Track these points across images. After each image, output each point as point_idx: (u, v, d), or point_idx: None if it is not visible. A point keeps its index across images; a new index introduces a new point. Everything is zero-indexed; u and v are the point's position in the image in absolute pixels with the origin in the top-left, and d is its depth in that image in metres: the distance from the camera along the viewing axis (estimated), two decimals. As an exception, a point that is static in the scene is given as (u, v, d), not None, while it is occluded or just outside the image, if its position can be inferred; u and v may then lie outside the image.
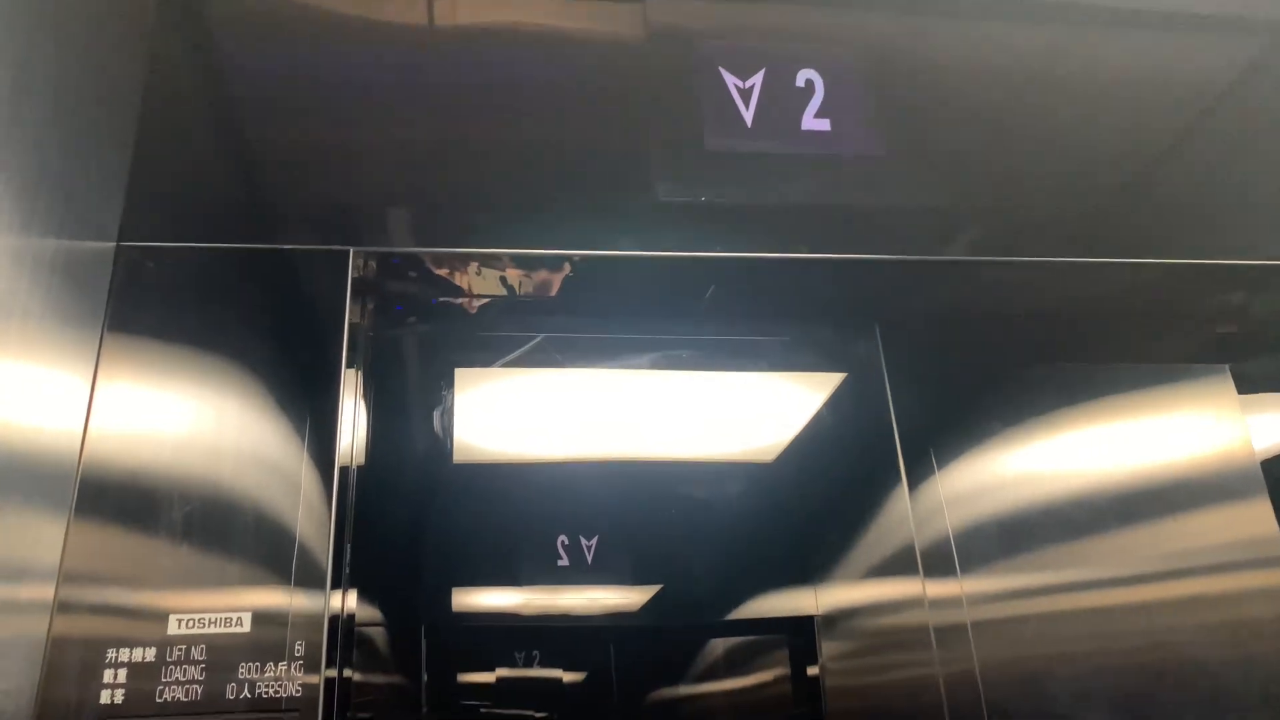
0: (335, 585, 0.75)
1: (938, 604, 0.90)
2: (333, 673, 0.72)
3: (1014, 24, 1.11)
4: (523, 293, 0.98)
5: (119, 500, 0.74)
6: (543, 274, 0.96)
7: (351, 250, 0.88)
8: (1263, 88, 1.13)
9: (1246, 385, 1.06)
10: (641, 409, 0.98)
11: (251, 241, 0.87)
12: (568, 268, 0.95)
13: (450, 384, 0.97)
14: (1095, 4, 1.13)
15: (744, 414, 1.00)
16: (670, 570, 0.91)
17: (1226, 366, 1.07)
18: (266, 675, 0.71)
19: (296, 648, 0.72)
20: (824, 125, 1.02)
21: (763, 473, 0.98)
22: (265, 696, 0.70)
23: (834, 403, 1.02)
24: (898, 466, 0.95)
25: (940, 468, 0.97)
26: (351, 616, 0.80)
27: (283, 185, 0.92)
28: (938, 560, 0.92)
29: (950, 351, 1.07)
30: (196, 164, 0.91)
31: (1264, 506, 0.99)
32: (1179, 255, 1.03)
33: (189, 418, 0.79)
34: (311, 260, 0.88)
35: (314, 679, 0.71)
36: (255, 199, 0.91)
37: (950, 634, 0.89)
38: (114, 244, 0.84)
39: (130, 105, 0.89)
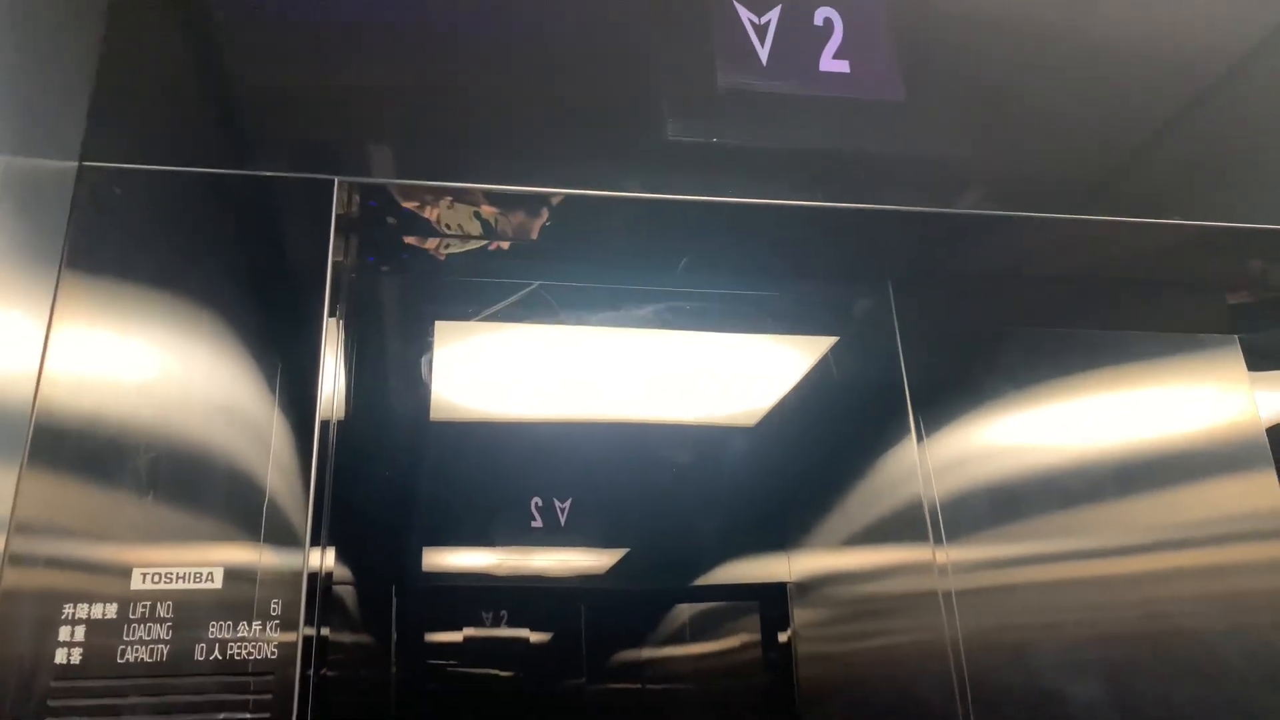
0: (314, 543, 0.71)
1: (941, 570, 0.89)
2: (310, 631, 0.69)
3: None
4: (508, 233, 0.94)
5: (77, 447, 0.70)
6: (537, 215, 0.92)
7: (336, 180, 0.83)
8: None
9: (1257, 357, 1.05)
10: (624, 367, 0.96)
11: (228, 167, 0.82)
12: (564, 208, 0.91)
13: (430, 337, 0.93)
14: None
15: (730, 374, 0.98)
16: (644, 534, 0.90)
17: (1236, 338, 1.06)
18: (239, 635, 0.67)
19: (272, 606, 0.68)
20: (843, 67, 0.98)
21: (745, 437, 0.96)
22: (236, 659, 0.66)
23: (831, 363, 0.99)
24: (905, 428, 0.93)
25: (939, 431, 0.95)
26: (330, 575, 0.77)
27: (264, 106, 0.87)
28: (932, 525, 0.91)
29: (961, 311, 1.05)
30: (169, 78, 0.85)
31: (1269, 479, 0.99)
32: (1196, 217, 1.01)
33: (155, 360, 0.74)
34: (292, 189, 0.82)
35: (290, 637, 0.68)
36: (233, 120, 0.86)
37: (935, 601, 0.88)
38: (76, 164, 0.78)
39: (97, 8, 0.82)
